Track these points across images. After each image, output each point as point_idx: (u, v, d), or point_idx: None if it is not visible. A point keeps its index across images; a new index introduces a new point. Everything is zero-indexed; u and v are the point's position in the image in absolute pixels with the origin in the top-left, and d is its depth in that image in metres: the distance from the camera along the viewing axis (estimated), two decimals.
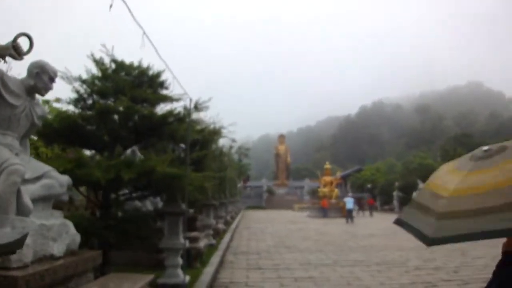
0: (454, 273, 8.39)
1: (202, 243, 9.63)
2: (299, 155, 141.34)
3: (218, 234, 15.83)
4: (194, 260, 8.87)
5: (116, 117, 7.24)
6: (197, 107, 8.40)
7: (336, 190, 42.26)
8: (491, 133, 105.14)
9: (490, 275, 1.80)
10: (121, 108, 7.02)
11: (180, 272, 6.78)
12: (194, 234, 9.67)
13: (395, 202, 46.46)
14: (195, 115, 9.50)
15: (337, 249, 12.84)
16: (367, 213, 37.75)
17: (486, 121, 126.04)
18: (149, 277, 5.42)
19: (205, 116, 11.28)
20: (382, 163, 76.47)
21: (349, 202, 27.97)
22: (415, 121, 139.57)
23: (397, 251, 11.79)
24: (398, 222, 1.85)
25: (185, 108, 7.82)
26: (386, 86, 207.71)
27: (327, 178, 42.52)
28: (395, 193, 46.40)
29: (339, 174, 49.52)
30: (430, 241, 1.48)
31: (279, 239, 16.21)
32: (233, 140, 28.29)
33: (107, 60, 7.59)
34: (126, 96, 6.90)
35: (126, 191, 7.54)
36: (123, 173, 5.87)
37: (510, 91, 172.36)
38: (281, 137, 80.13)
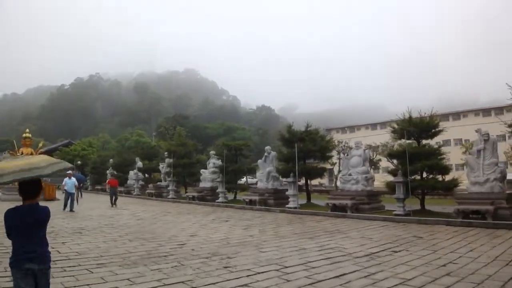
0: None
1: None
2: (0, 126, 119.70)
3: None
4: None
5: None
6: None
7: None
8: (204, 117, 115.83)
9: None
10: None
11: None
12: None
13: None
14: None
15: None
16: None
17: (200, 106, 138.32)
18: None
19: None
20: (95, 138, 70.67)
21: (69, 184, 20.68)
22: (132, 100, 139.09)
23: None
24: None
25: None
26: (106, 61, 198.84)
27: (27, 150, 33.91)
28: (108, 171, 42.31)
29: (42, 144, 41.13)
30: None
31: None
32: None
33: None
34: None
35: None
36: None
37: (222, 82, 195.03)
38: None
